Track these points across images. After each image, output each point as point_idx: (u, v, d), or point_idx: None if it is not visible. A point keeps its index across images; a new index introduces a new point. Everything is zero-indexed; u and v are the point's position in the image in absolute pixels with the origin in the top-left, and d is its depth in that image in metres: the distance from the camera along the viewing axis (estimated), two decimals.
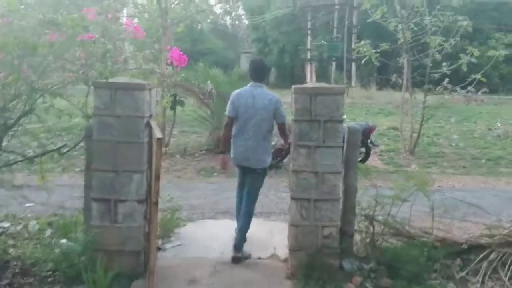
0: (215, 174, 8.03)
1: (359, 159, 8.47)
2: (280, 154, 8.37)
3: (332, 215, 3.89)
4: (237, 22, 59.91)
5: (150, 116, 3.93)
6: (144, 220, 3.92)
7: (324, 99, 3.79)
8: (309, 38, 27.15)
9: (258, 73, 4.46)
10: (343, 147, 3.91)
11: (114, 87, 3.74)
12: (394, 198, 4.27)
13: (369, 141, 8.34)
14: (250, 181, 4.54)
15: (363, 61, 9.57)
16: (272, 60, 35.12)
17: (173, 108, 9.45)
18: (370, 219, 4.29)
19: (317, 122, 3.82)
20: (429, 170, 8.53)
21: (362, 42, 9.48)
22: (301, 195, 3.90)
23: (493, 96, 19.36)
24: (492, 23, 26.19)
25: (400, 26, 9.14)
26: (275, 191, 6.95)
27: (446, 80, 8.98)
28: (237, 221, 4.63)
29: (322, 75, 27.95)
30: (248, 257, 4.33)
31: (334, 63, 26.85)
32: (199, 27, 43.39)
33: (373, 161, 8.90)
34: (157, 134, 3.33)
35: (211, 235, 4.95)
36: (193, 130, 12.17)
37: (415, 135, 9.63)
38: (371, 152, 8.68)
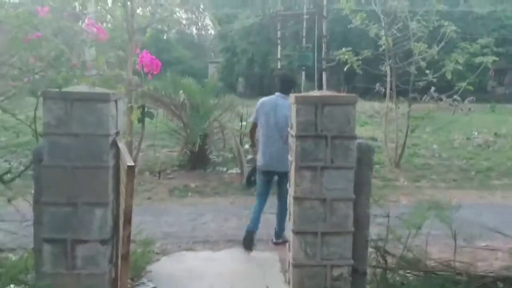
0: (189, 194, 7.23)
1: None
2: None
3: (343, 251, 3.20)
4: (203, 32, 59.35)
5: (117, 133, 3.15)
6: (109, 264, 3.11)
7: (333, 110, 3.12)
8: (279, 47, 26.69)
9: (283, 85, 4.77)
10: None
11: (70, 98, 2.96)
12: (410, 226, 3.63)
13: None
14: (280, 184, 4.79)
15: (345, 69, 9.01)
16: (241, 70, 34.64)
17: (141, 120, 8.58)
18: (382, 251, 3.63)
19: (323, 138, 3.14)
20: (418, 184, 8.01)
21: (344, 49, 8.93)
22: (305, 228, 3.20)
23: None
24: (457, 32, 26.54)
25: (383, 32, 8.65)
26: None
27: (433, 88, 8.54)
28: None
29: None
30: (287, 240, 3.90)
31: (303, 73, 26.47)
32: (165, 37, 42.61)
33: None
34: (127, 160, 2.56)
35: (191, 272, 4.16)
36: (163, 144, 11.30)
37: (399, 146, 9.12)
38: None
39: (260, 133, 4.74)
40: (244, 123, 9.54)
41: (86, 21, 4.44)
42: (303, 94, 3.35)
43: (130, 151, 8.69)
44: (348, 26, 9.61)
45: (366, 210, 3.37)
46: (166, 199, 6.97)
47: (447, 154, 10.76)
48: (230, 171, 8.51)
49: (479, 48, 8.92)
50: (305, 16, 25.24)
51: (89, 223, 3.04)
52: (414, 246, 3.67)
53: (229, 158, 9.38)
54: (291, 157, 3.33)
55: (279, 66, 25.94)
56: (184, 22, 54.61)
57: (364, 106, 18.68)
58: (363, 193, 3.34)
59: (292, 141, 3.28)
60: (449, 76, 8.77)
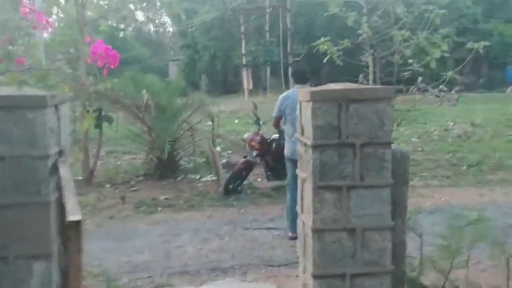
0: (159, 209, 6.27)
1: None
2: (240, 174, 6.79)
3: None
4: (161, 30, 57.67)
5: (60, 153, 2.21)
6: None
7: (361, 109, 2.30)
8: (243, 42, 25.79)
9: (298, 76, 5.25)
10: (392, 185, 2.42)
11: None
12: (449, 252, 2.87)
13: None
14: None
15: (324, 60, 8.24)
16: (203, 67, 33.50)
17: (98, 126, 7.54)
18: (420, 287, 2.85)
19: (350, 147, 2.31)
20: (411, 183, 7.34)
21: (322, 38, 8.14)
22: (329, 269, 2.36)
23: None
24: (444, 17, 26.49)
25: (364, 19, 7.92)
26: (242, 228, 5.37)
27: (420, 78, 7.89)
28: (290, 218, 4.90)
29: (257, 81, 26.77)
30: None
31: (268, 68, 25.75)
32: (121, 35, 40.90)
33: None
34: (72, 209, 1.64)
35: None
36: (124, 150, 10.25)
37: None
38: None
39: (286, 124, 5.15)
40: (213, 123, 8.64)
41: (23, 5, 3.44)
42: (320, 88, 2.50)
43: (86, 155, 7.63)
44: (325, 14, 8.79)
45: (403, 238, 2.57)
46: (131, 217, 6.00)
47: (429, 148, 10.25)
48: (204, 179, 7.60)
49: (440, 38, 8.36)
50: (268, 10, 24.49)
51: (25, 283, 2.10)
52: (456, 277, 2.92)
53: (201, 164, 8.47)
54: (303, 172, 2.49)
55: (244, 62, 25.08)
56: (141, 19, 52.97)
57: None
58: (398, 216, 2.54)
59: (305, 153, 2.43)
60: (433, 65, 8.14)
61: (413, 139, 11.44)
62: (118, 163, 9.31)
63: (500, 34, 29.53)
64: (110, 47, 3.32)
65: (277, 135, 6.74)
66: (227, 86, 30.77)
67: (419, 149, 10.15)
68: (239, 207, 6.29)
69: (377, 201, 2.35)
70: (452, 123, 13.63)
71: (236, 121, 15.54)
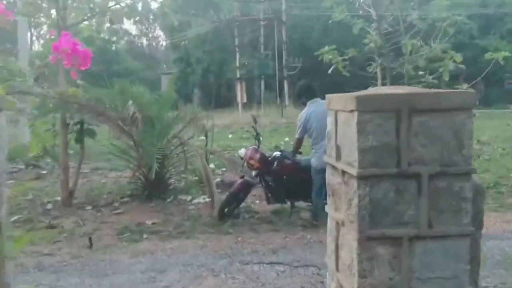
0: (145, 237, 5.48)
1: None
2: (237, 196, 6.04)
3: None
4: (154, 43, 57.23)
5: None
6: None
7: (431, 123, 1.58)
8: (237, 55, 25.19)
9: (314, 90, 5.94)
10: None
11: None
12: None
13: None
14: None
15: (329, 71, 7.56)
16: (196, 81, 32.92)
17: (79, 140, 6.78)
18: None
19: (414, 178, 1.58)
20: None
21: (327, 47, 7.49)
22: None
23: None
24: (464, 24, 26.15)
25: (373, 26, 7.29)
26: (240, 263, 4.59)
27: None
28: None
29: (250, 94, 26.17)
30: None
31: (263, 82, 25.15)
32: (114, 48, 40.32)
33: None
34: None
35: None
36: (111, 166, 9.44)
37: None
38: None
39: (311, 139, 5.52)
40: (205, 138, 7.90)
41: None
42: (368, 92, 1.79)
43: (65, 173, 6.83)
44: (330, 22, 8.23)
45: None
46: (113, 246, 5.19)
47: None
48: (196, 200, 6.82)
49: (439, 52, 7.80)
50: (263, 22, 23.98)
51: None
52: None
53: (193, 182, 7.69)
54: (337, 213, 1.76)
55: (238, 75, 24.44)
56: (134, 33, 52.63)
57: None
58: (473, 275, 1.81)
59: (343, 186, 1.70)
60: (446, 77, 7.51)
61: None
62: (103, 181, 8.52)
63: (496, 50, 29.34)
64: (78, 42, 2.60)
65: (279, 152, 6.01)
66: (220, 99, 30.16)
67: None
68: (236, 234, 5.51)
69: (452, 258, 1.62)
70: None
71: (230, 135, 14.84)
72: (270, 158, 5.87)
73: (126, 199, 6.99)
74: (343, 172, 1.69)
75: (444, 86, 8.16)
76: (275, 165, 5.84)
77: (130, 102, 6.30)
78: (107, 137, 7.67)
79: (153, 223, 5.94)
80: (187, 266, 4.50)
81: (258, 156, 5.77)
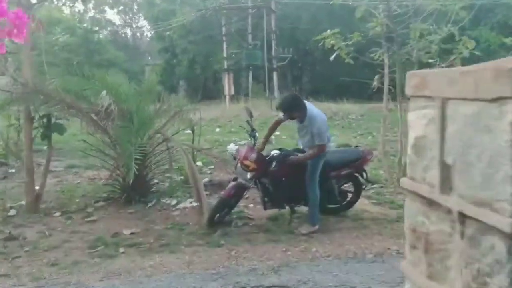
0: (121, 251, 4.64)
1: (343, 202, 5.64)
2: (229, 201, 5.25)
3: None
4: (138, 34, 55.84)
5: None
6: None
7: None
8: (224, 45, 24.21)
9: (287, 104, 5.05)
10: None
11: None
12: None
13: (364, 176, 5.51)
14: None
15: (331, 58, 6.77)
16: (182, 72, 31.88)
17: (46, 136, 5.90)
18: None
19: None
20: None
21: (329, 31, 6.69)
22: None
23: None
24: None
25: (381, 8, 6.52)
26: (235, 286, 3.80)
27: None
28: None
29: (238, 86, 25.28)
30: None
31: (251, 73, 24.24)
32: (96, 38, 39.04)
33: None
34: None
35: None
36: (88, 164, 8.52)
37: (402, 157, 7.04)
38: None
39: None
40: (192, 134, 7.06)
41: None
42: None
43: (31, 182, 5.99)
44: (331, 2, 7.48)
45: None
46: (82, 264, 4.35)
47: None
48: (182, 205, 5.98)
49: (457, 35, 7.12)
50: (251, 10, 23.04)
51: None
52: None
53: (178, 183, 6.86)
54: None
55: (225, 66, 23.49)
56: (117, 23, 51.27)
57: (325, 107, 16.73)
58: None
59: (460, 238, 0.91)
60: (458, 66, 6.77)
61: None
62: (77, 181, 7.62)
63: (486, 41, 28.91)
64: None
65: (278, 151, 5.21)
66: (207, 91, 29.19)
67: None
68: (228, 246, 4.72)
69: None
70: None
71: (218, 129, 13.99)
72: (268, 158, 5.07)
73: (101, 203, 6.12)
74: (461, 217, 0.89)
75: None
76: (273, 165, 5.04)
77: (104, 92, 5.41)
78: (84, 131, 6.80)
79: (131, 233, 5.11)
80: None
81: (254, 155, 4.96)
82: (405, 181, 1.23)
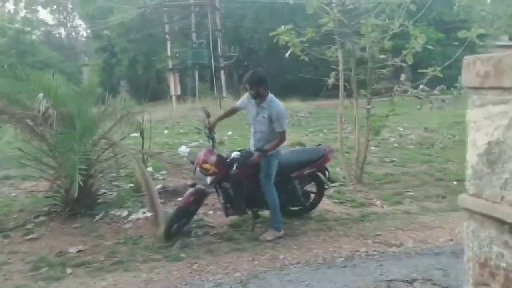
0: (69, 272, 4.13)
1: (307, 203, 5.42)
2: (187, 210, 4.87)
3: None
4: (73, 34, 53.39)
5: None
6: None
7: None
8: (168, 44, 23.47)
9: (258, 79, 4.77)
10: None
11: None
12: None
13: (326, 175, 5.30)
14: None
15: (287, 54, 6.51)
16: (122, 72, 30.75)
17: None
18: None
19: None
20: (402, 207, 5.85)
21: (283, 27, 6.45)
22: None
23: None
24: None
25: (334, 3, 6.36)
26: None
27: (403, 76, 6.48)
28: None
29: (183, 86, 24.66)
30: None
31: (197, 73, 23.71)
32: (28, 39, 36.73)
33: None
34: None
35: None
36: (25, 175, 7.73)
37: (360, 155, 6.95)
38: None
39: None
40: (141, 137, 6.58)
41: None
42: None
43: None
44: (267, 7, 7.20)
45: None
46: None
47: (397, 158, 8.94)
48: (134, 216, 5.48)
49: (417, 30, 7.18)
50: (194, 8, 22.51)
51: None
52: None
53: (128, 192, 6.34)
54: None
55: (170, 66, 22.79)
56: (51, 22, 48.81)
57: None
58: None
59: None
60: (410, 61, 6.77)
61: (372, 148, 10.12)
62: (14, 194, 6.87)
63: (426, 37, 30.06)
64: None
65: (238, 152, 4.88)
66: (151, 92, 28.27)
67: (387, 159, 8.81)
68: (189, 260, 4.34)
69: None
70: (402, 128, 12.54)
71: (166, 131, 13.41)
72: (228, 160, 4.73)
73: (42, 218, 5.49)
74: None
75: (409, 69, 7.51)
76: (234, 168, 4.70)
77: (41, 95, 4.83)
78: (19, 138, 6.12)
79: (78, 251, 4.58)
80: None
81: (214, 158, 4.60)
82: (466, 199, 0.96)
